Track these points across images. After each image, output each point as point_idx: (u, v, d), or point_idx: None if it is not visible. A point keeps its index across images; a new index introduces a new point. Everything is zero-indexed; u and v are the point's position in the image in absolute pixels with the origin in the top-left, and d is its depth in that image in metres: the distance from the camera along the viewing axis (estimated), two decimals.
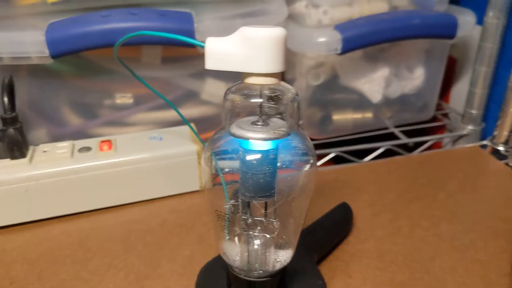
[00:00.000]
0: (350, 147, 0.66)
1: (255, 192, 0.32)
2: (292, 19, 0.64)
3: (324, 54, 0.61)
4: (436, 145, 0.76)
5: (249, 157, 0.31)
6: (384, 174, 0.59)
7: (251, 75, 0.30)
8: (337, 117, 0.70)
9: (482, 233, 0.48)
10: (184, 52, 0.59)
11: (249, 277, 0.34)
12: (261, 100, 0.31)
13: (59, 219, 0.51)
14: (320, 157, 0.66)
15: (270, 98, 0.31)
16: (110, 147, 0.52)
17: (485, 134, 0.72)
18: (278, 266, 0.34)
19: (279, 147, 0.31)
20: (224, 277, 0.36)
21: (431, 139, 0.71)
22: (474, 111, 0.71)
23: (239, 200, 0.33)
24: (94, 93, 0.60)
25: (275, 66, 0.30)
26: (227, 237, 0.35)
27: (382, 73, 0.68)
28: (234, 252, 0.35)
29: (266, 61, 0.29)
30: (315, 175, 0.33)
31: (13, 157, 0.49)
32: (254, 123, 0.31)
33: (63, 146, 0.51)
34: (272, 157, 0.31)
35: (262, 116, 0.31)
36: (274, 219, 0.34)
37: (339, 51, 0.60)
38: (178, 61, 0.60)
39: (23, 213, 0.50)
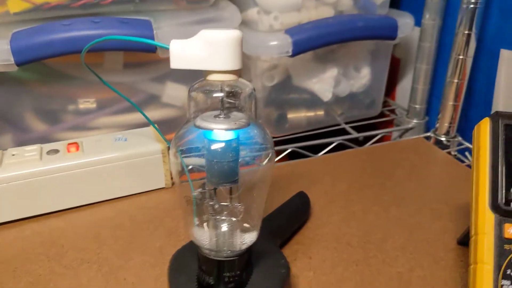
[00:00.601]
0: (305, 142, 0.70)
1: (220, 179, 0.35)
2: (245, 25, 0.67)
3: (276, 56, 0.65)
4: (386, 139, 0.82)
5: (214, 146, 0.34)
6: (337, 166, 0.64)
7: (212, 72, 0.34)
8: (291, 115, 0.74)
9: (428, 215, 0.53)
10: (145, 58, 0.62)
11: (218, 257, 0.37)
12: (222, 94, 0.34)
13: (30, 220, 0.53)
14: (277, 153, 0.70)
15: (230, 93, 0.34)
16: (77, 149, 0.54)
17: (429, 126, 0.78)
18: (244, 246, 0.38)
19: (240, 136, 0.35)
20: (195, 260, 0.39)
21: (379, 133, 0.76)
22: (417, 106, 0.77)
23: (206, 188, 0.36)
24: (57, 99, 0.62)
25: (233, 63, 0.33)
26: (197, 223, 0.38)
27: (331, 73, 0.72)
28: (204, 236, 0.38)
29: (225, 59, 0.33)
30: (273, 161, 0.37)
31: None
32: (216, 116, 0.34)
33: (32, 149, 0.53)
34: (234, 145, 0.34)
35: (223, 109, 0.35)
36: (239, 204, 0.37)
37: (290, 53, 0.64)
38: (139, 66, 0.63)
39: None
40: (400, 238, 0.50)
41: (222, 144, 0.34)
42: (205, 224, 0.38)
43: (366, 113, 0.80)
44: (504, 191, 0.36)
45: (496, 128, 0.38)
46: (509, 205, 0.36)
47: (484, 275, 0.35)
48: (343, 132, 0.75)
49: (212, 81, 0.34)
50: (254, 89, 0.36)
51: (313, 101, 0.74)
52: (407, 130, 0.78)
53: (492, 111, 0.66)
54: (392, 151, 0.68)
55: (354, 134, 0.74)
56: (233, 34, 0.33)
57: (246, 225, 0.39)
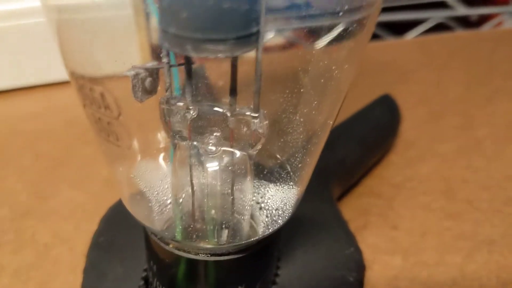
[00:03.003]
0: (385, 16, 0.47)
1: (198, 25, 0.10)
2: None
3: None
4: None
5: None
6: (441, 56, 0.42)
7: None
8: None
9: None
10: None
11: (196, 253, 0.14)
12: None
13: None
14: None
15: None
16: None
17: None
18: (264, 230, 0.14)
19: None
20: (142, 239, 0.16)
21: (505, 11, 0.50)
22: None
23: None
24: None
25: None
26: (138, 157, 0.14)
27: None
28: (158, 195, 0.14)
29: None
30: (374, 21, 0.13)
31: None
32: None
33: None
34: None
35: None
36: (257, 111, 0.12)
37: None
38: None
39: None
40: None
41: None
42: (160, 161, 0.14)
43: None
44: None
45: None
46: None
47: None
48: (443, 5, 0.51)
49: None
50: None
51: None
52: None
53: None
54: None
55: (463, 10, 0.49)
56: None
57: (277, 170, 0.15)
